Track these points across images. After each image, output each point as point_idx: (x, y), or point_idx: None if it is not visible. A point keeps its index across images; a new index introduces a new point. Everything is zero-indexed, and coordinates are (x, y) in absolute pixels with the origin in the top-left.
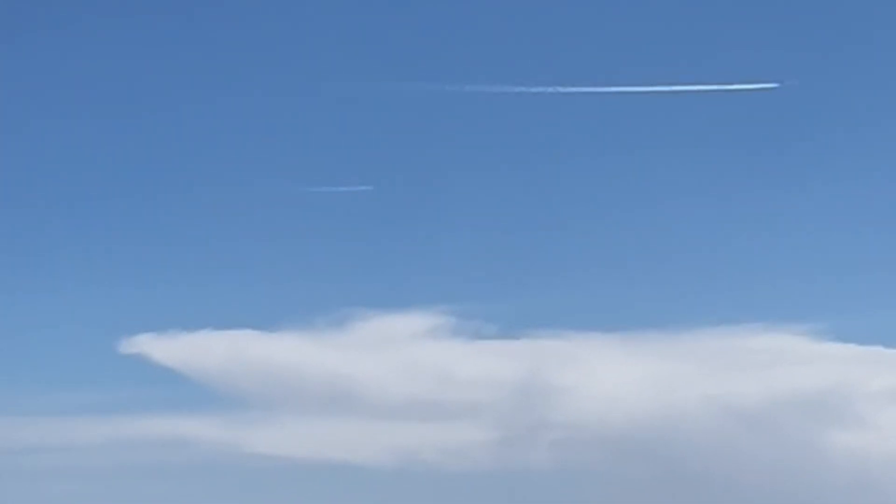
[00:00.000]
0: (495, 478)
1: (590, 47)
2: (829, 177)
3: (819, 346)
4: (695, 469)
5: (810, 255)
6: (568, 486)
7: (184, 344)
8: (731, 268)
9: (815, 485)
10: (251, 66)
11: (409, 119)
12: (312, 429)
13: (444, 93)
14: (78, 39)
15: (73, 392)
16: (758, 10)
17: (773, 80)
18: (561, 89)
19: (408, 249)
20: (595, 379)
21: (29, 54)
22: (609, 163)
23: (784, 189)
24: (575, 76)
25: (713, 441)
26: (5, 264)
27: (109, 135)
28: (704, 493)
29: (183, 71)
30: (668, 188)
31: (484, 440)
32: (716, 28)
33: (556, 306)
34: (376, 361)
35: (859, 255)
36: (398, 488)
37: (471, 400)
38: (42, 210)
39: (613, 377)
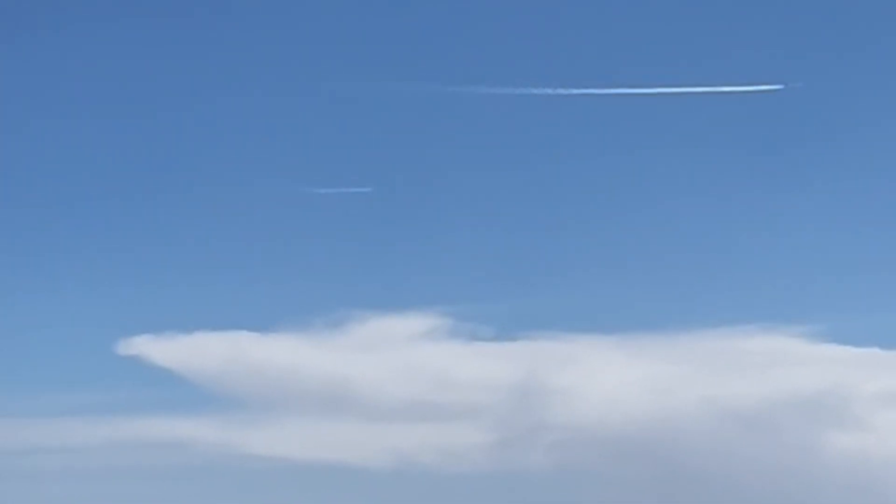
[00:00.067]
0: (493, 479)
1: (592, 49)
2: (830, 179)
3: (816, 348)
4: (693, 470)
5: (808, 257)
6: (566, 488)
7: (182, 345)
8: (728, 269)
9: (813, 486)
10: (251, 65)
11: (410, 120)
12: (310, 430)
13: (444, 94)
14: (78, 40)
15: (71, 393)
16: (762, 11)
17: (777, 81)
18: (562, 91)
19: (406, 251)
20: (593, 380)
21: (29, 54)
22: (609, 164)
23: (784, 191)
24: (577, 78)
25: (711, 442)
26: (3, 265)
27: (109, 135)
28: (702, 495)
29: (182, 71)
30: (667, 190)
31: (482, 442)
32: (720, 30)
33: (554, 308)
34: (374, 363)
35: (857, 256)
36: (396, 490)
37: (468, 402)
38: (40, 211)
39: (611, 379)
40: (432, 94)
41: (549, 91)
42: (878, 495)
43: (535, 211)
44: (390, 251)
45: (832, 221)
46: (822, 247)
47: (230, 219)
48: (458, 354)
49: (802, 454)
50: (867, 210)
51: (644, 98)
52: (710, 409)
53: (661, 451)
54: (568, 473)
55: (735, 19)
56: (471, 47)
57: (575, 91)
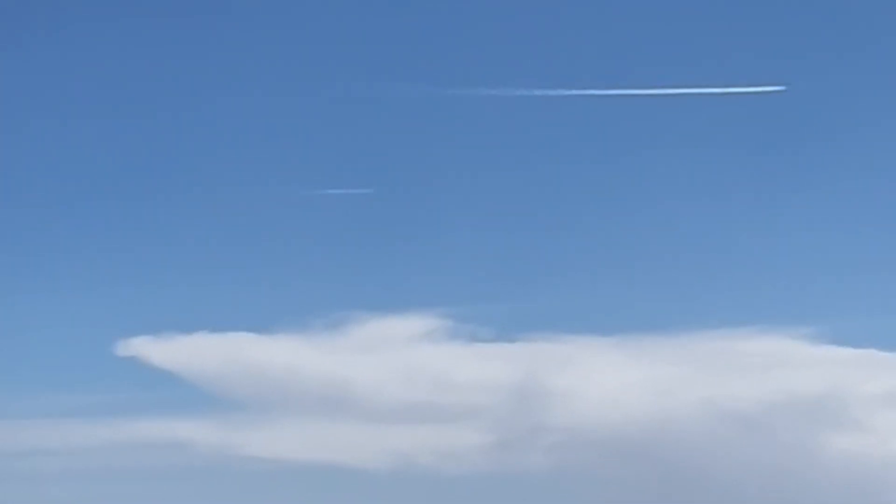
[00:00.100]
0: (492, 481)
1: (593, 50)
2: (831, 180)
3: (816, 350)
4: (692, 472)
5: (808, 258)
6: (565, 490)
7: (180, 346)
8: (728, 271)
9: (811, 487)
10: (251, 66)
11: (411, 122)
12: (309, 431)
13: (445, 96)
14: (78, 40)
15: (69, 394)
16: (764, 12)
17: (780, 83)
18: (563, 92)
19: (406, 252)
20: (592, 382)
21: (29, 54)
22: (610, 166)
23: (784, 192)
24: (577, 79)
25: (710, 444)
26: (1, 265)
27: (109, 136)
28: (701, 496)
29: (182, 71)
30: (667, 191)
31: (481, 443)
32: (722, 30)
33: (553, 309)
34: (373, 364)
35: (857, 258)
36: (394, 491)
37: (467, 403)
38: (38, 211)
39: (611, 380)
40: (433, 95)
41: (550, 92)
42: (877, 497)
43: (535, 212)
44: (390, 252)
45: (832, 223)
46: (821, 248)
47: (230, 220)
48: (457, 356)
49: (801, 455)
50: (867, 211)
51: (645, 99)
52: (709, 410)
53: (661, 452)
54: (567, 474)
55: (737, 20)
56: (471, 49)
57: (576, 92)
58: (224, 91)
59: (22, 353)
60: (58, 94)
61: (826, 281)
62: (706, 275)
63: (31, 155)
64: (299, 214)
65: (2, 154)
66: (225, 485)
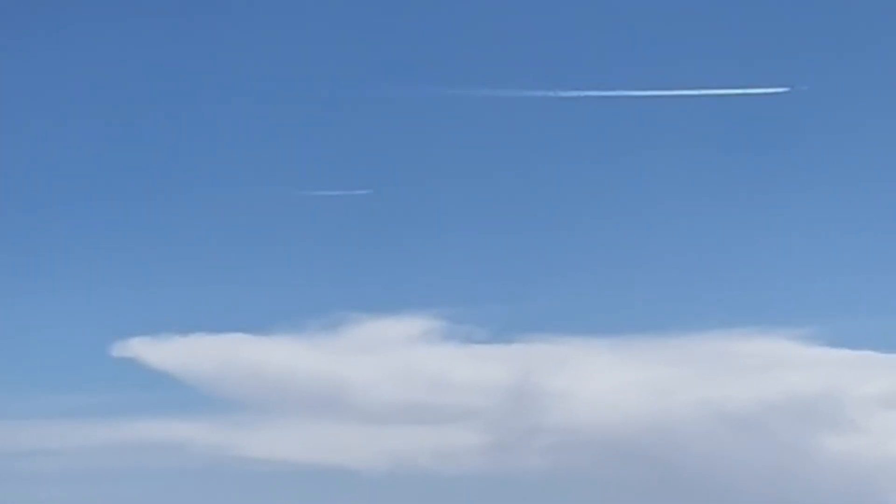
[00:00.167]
0: (488, 482)
1: (596, 51)
2: (828, 182)
3: (812, 351)
4: (688, 473)
5: (804, 260)
6: (561, 491)
7: (177, 347)
8: (725, 272)
9: (807, 489)
10: (249, 68)
11: (409, 123)
12: (305, 432)
13: (443, 96)
14: (78, 40)
15: (66, 395)
16: (767, 14)
17: (783, 84)
18: (562, 93)
19: (402, 253)
20: (588, 383)
21: (29, 54)
22: (608, 168)
23: (781, 194)
24: (577, 80)
25: (706, 445)
26: None
27: (107, 137)
28: (697, 497)
29: (180, 73)
30: (664, 192)
31: (477, 444)
32: (725, 32)
33: (550, 310)
34: (369, 365)
35: (854, 259)
36: (391, 492)
37: (464, 404)
38: (36, 212)
39: (607, 381)
40: (431, 96)
41: (549, 94)
42: (873, 498)
43: (532, 213)
44: (387, 253)
45: (829, 224)
46: (819, 249)
47: (228, 221)
48: (454, 356)
49: (797, 457)
50: (864, 213)
51: (647, 101)
52: (705, 411)
53: (657, 454)
54: (564, 476)
55: (740, 22)
56: (470, 50)
57: (575, 93)
58: (221, 92)
59: (19, 353)
60: (58, 95)
61: (823, 282)
62: (704, 276)
63: (27, 155)
64: (297, 215)
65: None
66: (222, 485)
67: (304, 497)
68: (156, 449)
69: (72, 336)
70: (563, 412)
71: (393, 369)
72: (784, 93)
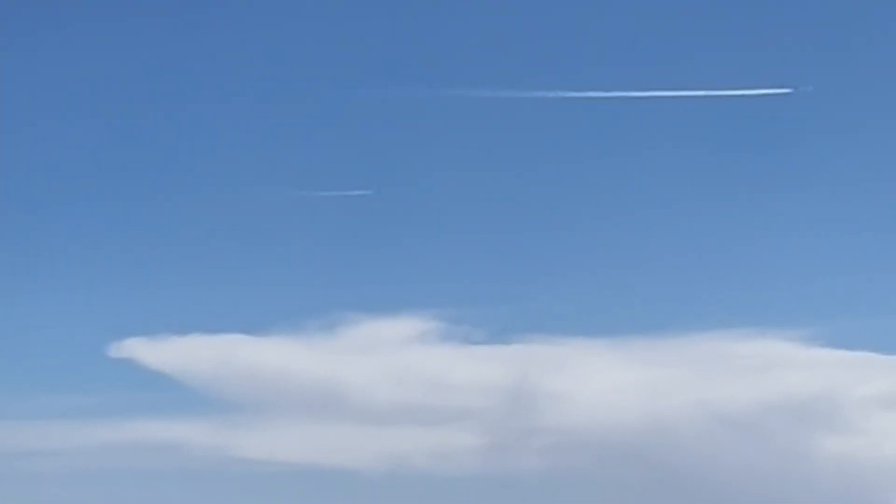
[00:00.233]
0: (485, 482)
1: (600, 51)
2: (828, 183)
3: (809, 352)
4: (686, 473)
5: (802, 261)
6: (558, 491)
7: (174, 348)
8: (723, 273)
9: (805, 490)
10: (249, 69)
11: (409, 123)
12: (302, 433)
13: (443, 97)
14: (78, 40)
15: (63, 396)
16: (770, 15)
17: (786, 85)
18: (563, 94)
19: (400, 254)
20: (585, 384)
21: (29, 54)
22: (608, 169)
23: (780, 195)
24: (579, 81)
25: (703, 446)
26: None
27: (106, 137)
28: (695, 498)
29: (181, 74)
30: (663, 193)
31: (475, 445)
32: (728, 33)
33: (547, 311)
34: (366, 366)
35: (852, 260)
36: (388, 492)
37: (461, 405)
38: (33, 212)
39: (604, 382)
40: (431, 97)
41: (554, 94)
42: (870, 498)
43: (530, 214)
44: (385, 254)
45: (827, 225)
46: (817, 251)
47: (226, 221)
48: (451, 357)
49: (795, 458)
50: (863, 214)
51: (650, 101)
52: (703, 412)
53: (654, 455)
54: (561, 477)
55: (744, 23)
56: (470, 51)
57: (576, 94)
58: (221, 92)
59: (17, 354)
60: (57, 95)
61: (820, 284)
62: (702, 277)
63: (25, 156)
64: (296, 216)
65: None
66: (220, 486)
67: (302, 497)
68: (153, 449)
69: (69, 336)
70: (561, 413)
71: (391, 370)
72: (787, 94)
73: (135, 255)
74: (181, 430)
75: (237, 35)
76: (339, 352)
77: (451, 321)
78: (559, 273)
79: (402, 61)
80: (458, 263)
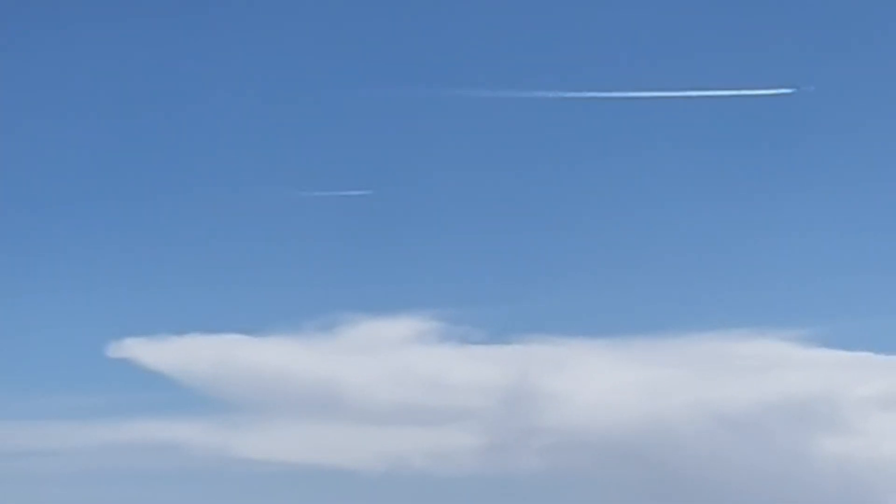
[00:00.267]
0: (484, 483)
1: (601, 51)
2: (828, 183)
3: (808, 352)
4: (684, 474)
5: (801, 261)
6: (558, 492)
7: (172, 348)
8: (721, 273)
9: (803, 491)
10: (248, 69)
11: (408, 124)
12: (301, 433)
13: (443, 97)
14: (78, 40)
15: (60, 396)
16: (773, 14)
17: (789, 85)
18: (562, 94)
19: (399, 253)
20: (585, 384)
21: (29, 54)
22: (609, 169)
23: (779, 195)
24: (579, 81)
25: (702, 446)
26: None
27: (104, 137)
28: (694, 498)
29: (179, 73)
30: (662, 194)
31: (473, 445)
32: (730, 33)
33: (546, 311)
34: (365, 366)
35: (850, 260)
36: (387, 493)
37: (460, 405)
38: (30, 212)
39: (603, 382)
40: (431, 97)
41: (550, 94)
42: (870, 499)
43: (529, 214)
44: (383, 254)
45: (827, 225)
46: (815, 250)
47: (225, 221)
48: (449, 357)
49: (794, 458)
50: (862, 214)
51: (651, 102)
52: (701, 412)
53: (653, 455)
54: (560, 477)
55: (746, 22)
56: (470, 51)
57: (577, 94)
58: (220, 93)
59: (14, 354)
60: (56, 95)
61: (819, 284)
62: (701, 277)
63: (22, 156)
64: (294, 216)
65: None
66: (218, 486)
67: (300, 498)
68: (152, 450)
69: (67, 336)
70: (561, 413)
71: (390, 370)
72: (789, 94)
73: (133, 255)
74: (180, 430)
75: (237, 35)
76: (338, 352)
77: (450, 321)
78: (559, 273)
79: (402, 61)
80: (458, 263)
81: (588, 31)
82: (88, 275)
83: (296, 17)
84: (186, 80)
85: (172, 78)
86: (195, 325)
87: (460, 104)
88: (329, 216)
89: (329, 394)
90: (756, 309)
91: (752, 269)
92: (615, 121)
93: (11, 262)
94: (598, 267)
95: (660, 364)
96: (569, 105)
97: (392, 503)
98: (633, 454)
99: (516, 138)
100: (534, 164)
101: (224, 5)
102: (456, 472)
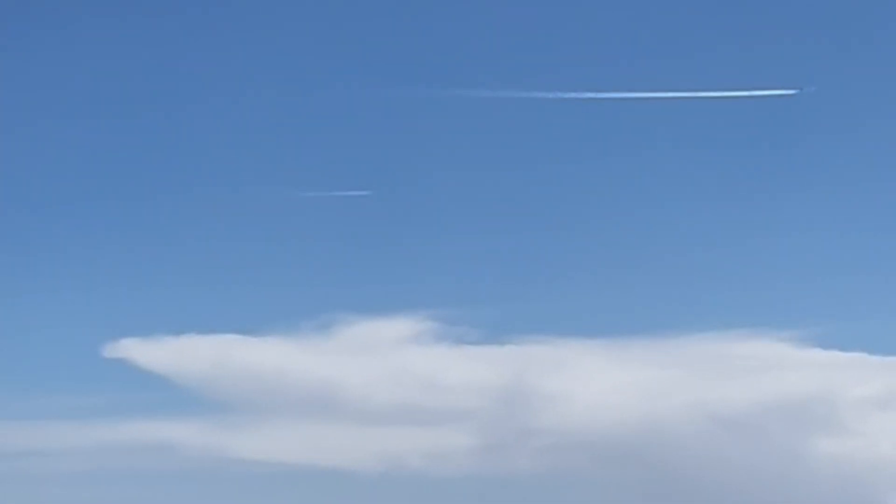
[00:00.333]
0: (481, 483)
1: (604, 52)
2: (826, 184)
3: (804, 353)
4: (681, 475)
5: (797, 262)
6: (553, 492)
7: (168, 348)
8: (718, 274)
9: (799, 491)
10: (247, 69)
11: (407, 124)
12: (297, 434)
13: (442, 97)
14: (78, 40)
15: (56, 396)
16: (775, 15)
17: (792, 86)
18: (563, 94)
19: (395, 254)
20: (581, 385)
21: (29, 54)
22: (609, 169)
23: (778, 196)
24: (584, 81)
25: (699, 447)
26: None
27: (103, 137)
28: (691, 499)
29: (179, 73)
30: (661, 195)
31: (470, 445)
32: (733, 34)
33: (542, 312)
34: (361, 366)
35: (846, 261)
36: (383, 493)
37: (456, 405)
38: (27, 213)
39: (599, 383)
40: (431, 97)
41: (551, 94)
42: (867, 499)
43: (527, 215)
44: (380, 254)
45: (823, 226)
46: (812, 252)
47: (223, 221)
48: (446, 358)
49: (790, 459)
50: (860, 215)
51: (655, 102)
52: (698, 413)
53: (650, 456)
54: (556, 477)
55: (749, 23)
56: (470, 51)
57: (575, 95)
58: (220, 93)
59: (9, 355)
60: (56, 95)
61: (816, 285)
62: (697, 278)
63: (20, 156)
64: (292, 216)
65: None
66: (214, 487)
67: (297, 498)
68: (148, 450)
69: (63, 337)
70: (557, 414)
71: (387, 370)
72: (792, 94)
73: (130, 255)
74: (176, 430)
75: (237, 35)
76: (335, 352)
77: (446, 322)
78: (555, 274)
79: (403, 61)
80: (455, 264)
81: (588, 31)
82: (85, 275)
83: (296, 17)
84: (186, 80)
85: (172, 78)
86: (192, 326)
87: (460, 104)
88: (327, 216)
89: (326, 394)
90: (753, 310)
91: (749, 270)
92: (615, 121)
93: (7, 262)
94: (596, 267)
95: (657, 364)
96: (569, 105)
97: (389, 503)
98: (630, 454)
99: (516, 138)
100: (533, 164)
101: (224, 5)
102: (453, 472)
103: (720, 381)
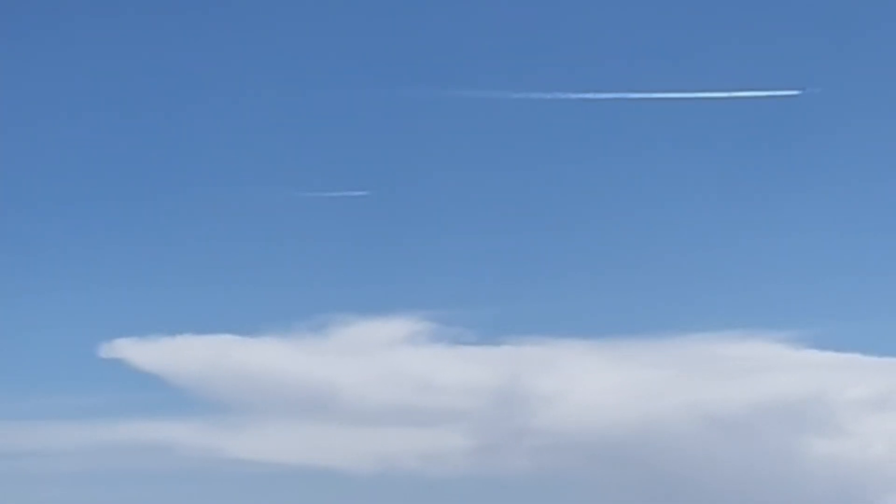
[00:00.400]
0: (476, 484)
1: (606, 52)
2: (825, 185)
3: (798, 354)
4: (675, 476)
5: (792, 263)
6: (548, 493)
7: (164, 348)
8: (712, 275)
9: (794, 492)
10: (246, 69)
11: (407, 124)
12: (293, 434)
13: (442, 98)
14: (78, 39)
15: (52, 396)
16: (779, 16)
17: (795, 87)
18: (562, 94)
19: (391, 255)
20: (576, 385)
21: (29, 54)
22: (609, 170)
23: (784, 197)
24: (586, 81)
25: (693, 448)
26: None
27: (103, 137)
28: (685, 500)
29: (178, 73)
30: (659, 196)
31: (465, 446)
32: (736, 34)
33: (537, 313)
34: (357, 367)
35: (841, 262)
36: (378, 494)
37: (451, 406)
38: (23, 212)
39: (594, 384)
40: (430, 97)
41: (549, 95)
42: (860, 501)
43: (525, 215)
44: (375, 255)
45: (822, 227)
46: (807, 252)
47: (220, 221)
48: (441, 358)
49: (784, 460)
50: (862, 216)
51: (654, 102)
52: (692, 414)
53: (644, 457)
54: (551, 478)
55: (752, 24)
56: (470, 51)
57: (576, 95)
58: (219, 94)
59: (6, 355)
60: (55, 95)
61: (810, 286)
62: (691, 278)
63: (18, 156)
64: (288, 216)
65: None
66: (210, 487)
67: (292, 498)
68: (143, 450)
69: (59, 337)
70: (553, 414)
71: (381, 371)
72: (795, 95)
73: (127, 255)
74: (171, 430)
75: (237, 35)
76: (330, 353)
77: (441, 322)
78: (550, 274)
79: (403, 61)
80: (451, 264)
81: (587, 31)
82: (81, 275)
83: (296, 17)
84: (187, 80)
85: (173, 78)
86: (187, 326)
87: (459, 104)
88: (325, 216)
89: (321, 394)
90: (747, 310)
91: (743, 270)
92: (615, 121)
93: (3, 263)
94: (592, 268)
95: (650, 365)
96: (568, 105)
97: (384, 503)
98: (625, 455)
99: (514, 139)
100: (532, 164)
101: (224, 5)
102: (449, 472)
103: (715, 381)
